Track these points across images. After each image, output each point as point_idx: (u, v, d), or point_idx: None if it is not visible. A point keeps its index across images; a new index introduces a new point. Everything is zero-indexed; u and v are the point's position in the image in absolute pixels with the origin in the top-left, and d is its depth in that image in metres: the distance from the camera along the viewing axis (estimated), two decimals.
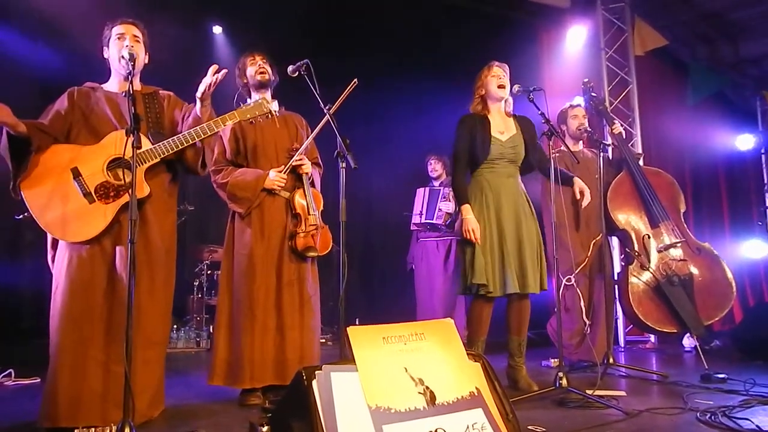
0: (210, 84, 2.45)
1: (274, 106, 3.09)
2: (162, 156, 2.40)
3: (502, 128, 3.24)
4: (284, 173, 2.96)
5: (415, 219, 5.18)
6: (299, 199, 3.00)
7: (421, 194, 5.23)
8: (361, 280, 6.67)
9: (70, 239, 2.36)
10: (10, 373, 3.56)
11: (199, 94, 2.47)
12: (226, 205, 3.02)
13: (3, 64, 4.73)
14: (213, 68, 2.45)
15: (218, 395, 3.00)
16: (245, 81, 3.11)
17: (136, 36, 2.57)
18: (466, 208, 3.15)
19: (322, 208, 3.08)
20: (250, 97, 3.06)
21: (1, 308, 4.93)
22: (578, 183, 3.46)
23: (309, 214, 2.98)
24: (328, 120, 2.64)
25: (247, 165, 3.01)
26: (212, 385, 2.90)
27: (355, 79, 2.82)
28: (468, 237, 3.10)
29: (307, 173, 3.03)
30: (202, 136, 2.42)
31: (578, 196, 3.44)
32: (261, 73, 3.04)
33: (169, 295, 2.60)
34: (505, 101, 3.28)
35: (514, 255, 3.09)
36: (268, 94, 3.09)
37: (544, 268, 3.18)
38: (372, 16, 5.71)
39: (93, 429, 2.19)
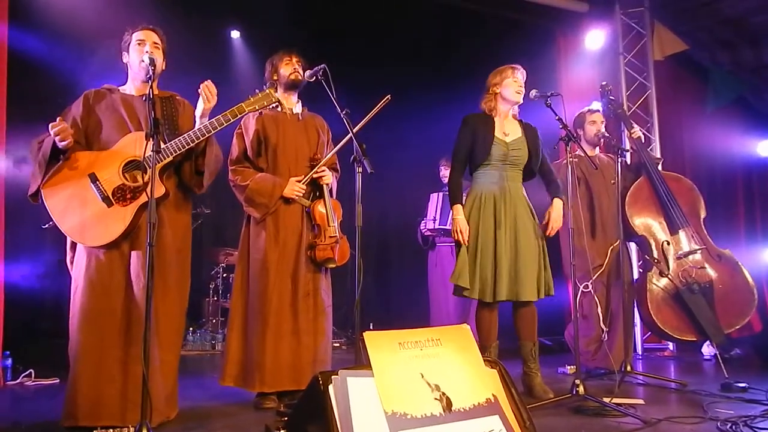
0: (207, 97, 2.48)
1: (298, 108, 3.13)
2: (174, 154, 2.42)
3: (508, 130, 3.22)
4: (303, 183, 2.96)
5: (429, 224, 5.15)
6: (319, 210, 2.98)
7: (435, 199, 5.20)
8: (375, 285, 6.66)
9: (90, 243, 2.39)
10: (31, 373, 3.61)
11: (198, 112, 2.51)
12: (242, 207, 3.03)
13: (46, 70, 4.81)
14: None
15: (233, 398, 3.01)
16: (275, 78, 3.12)
17: (156, 42, 2.61)
18: (457, 208, 3.15)
19: (341, 218, 3.07)
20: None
21: (21, 309, 4.99)
22: (555, 206, 3.22)
23: (329, 225, 2.97)
24: (345, 124, 2.64)
25: (266, 166, 3.02)
26: (227, 388, 2.92)
27: (389, 95, 2.81)
28: (456, 238, 3.11)
29: (327, 184, 3.03)
30: (212, 131, 2.45)
31: (546, 218, 3.20)
32: (295, 72, 3.06)
33: (184, 297, 2.61)
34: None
35: (509, 261, 3.05)
36: (294, 96, 3.13)
37: (548, 274, 3.14)
38: (388, 22, 5.71)
39: (112, 429, 2.22)
